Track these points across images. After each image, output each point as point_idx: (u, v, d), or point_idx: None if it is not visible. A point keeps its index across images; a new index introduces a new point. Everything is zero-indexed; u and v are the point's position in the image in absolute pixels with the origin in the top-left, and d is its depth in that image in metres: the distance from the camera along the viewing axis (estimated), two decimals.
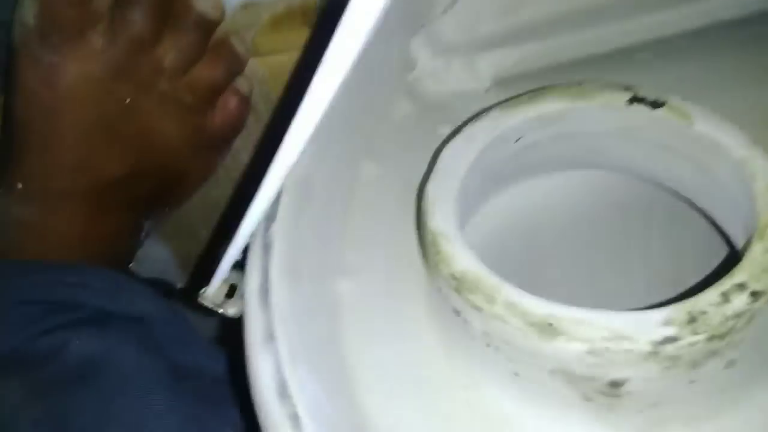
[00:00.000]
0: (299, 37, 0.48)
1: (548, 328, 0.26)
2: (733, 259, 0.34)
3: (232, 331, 0.32)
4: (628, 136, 0.36)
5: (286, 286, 0.31)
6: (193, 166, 0.50)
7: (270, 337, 0.28)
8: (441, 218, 0.31)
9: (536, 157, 0.38)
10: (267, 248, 0.31)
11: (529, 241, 0.43)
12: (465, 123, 0.36)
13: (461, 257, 0.29)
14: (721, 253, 0.41)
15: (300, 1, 0.47)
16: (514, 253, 0.42)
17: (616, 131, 0.36)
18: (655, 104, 0.34)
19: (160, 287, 0.50)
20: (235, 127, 0.49)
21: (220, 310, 0.33)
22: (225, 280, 0.33)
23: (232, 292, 0.33)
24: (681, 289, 0.46)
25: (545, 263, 0.45)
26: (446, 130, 0.44)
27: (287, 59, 0.49)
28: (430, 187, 0.32)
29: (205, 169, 0.51)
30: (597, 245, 0.44)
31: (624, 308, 0.27)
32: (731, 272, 0.27)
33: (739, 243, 0.33)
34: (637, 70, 0.46)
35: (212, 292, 0.33)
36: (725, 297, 0.26)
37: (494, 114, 0.35)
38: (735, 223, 0.33)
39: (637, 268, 0.44)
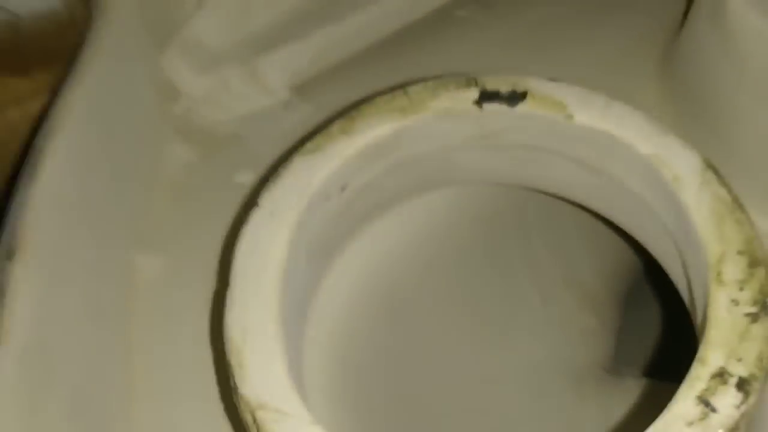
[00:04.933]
0: (2, 88, 0.34)
1: None
2: (649, 267, 0.26)
3: None
4: (485, 143, 0.26)
5: None
6: None
7: None
8: (256, 379, 0.19)
9: (373, 198, 0.27)
10: None
11: (395, 283, 0.33)
12: (260, 187, 0.24)
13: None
14: (617, 245, 0.34)
15: None
16: (384, 299, 0.32)
17: (468, 141, 0.26)
18: (513, 97, 0.24)
19: None
20: None
21: None
22: None
23: None
24: (575, 289, 0.38)
25: (419, 298, 0.35)
26: (246, 177, 0.32)
27: None
28: (233, 318, 0.21)
29: None
30: (471, 265, 0.35)
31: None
32: (700, 354, 0.18)
33: (661, 255, 0.25)
34: (462, 31, 0.36)
35: None
36: (705, 403, 0.17)
37: (298, 165, 0.24)
38: (647, 227, 0.25)
39: (523, 279, 0.36)
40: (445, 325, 0.33)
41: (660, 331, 0.45)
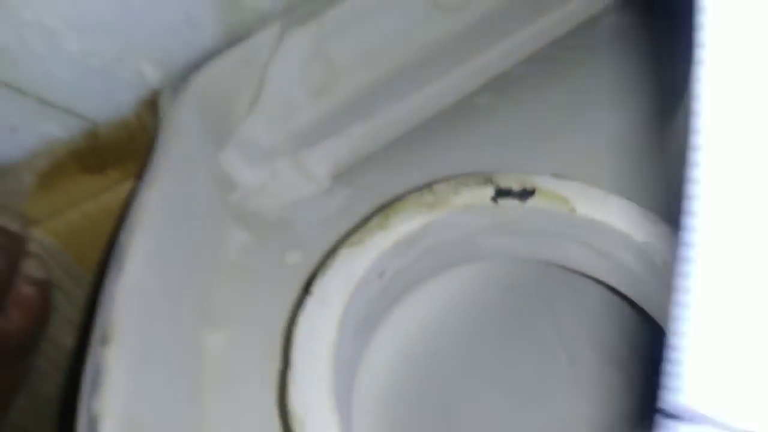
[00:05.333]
0: (80, 187, 0.39)
1: None
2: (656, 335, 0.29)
3: None
4: (503, 230, 0.30)
5: None
6: (0, 380, 0.40)
7: None
8: None
9: (408, 278, 0.31)
10: None
11: (430, 350, 0.37)
12: (312, 275, 0.29)
13: None
14: (629, 315, 0.37)
15: (67, 148, 0.37)
16: (421, 365, 0.35)
17: (488, 228, 0.30)
18: (524, 194, 0.28)
19: None
20: (40, 318, 0.39)
21: None
22: None
23: None
24: (599, 348, 0.41)
25: (454, 363, 0.39)
26: (295, 258, 0.36)
27: (77, 215, 0.40)
28: (294, 395, 0.25)
29: (16, 377, 0.41)
30: (500, 329, 0.38)
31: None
32: None
33: (663, 321, 0.28)
34: (482, 117, 0.40)
35: None
36: None
37: (343, 257, 0.28)
38: (651, 301, 0.28)
39: (549, 340, 0.39)
40: (478, 386, 0.37)
41: None
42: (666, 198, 0.32)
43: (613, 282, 0.30)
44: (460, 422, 0.34)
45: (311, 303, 0.27)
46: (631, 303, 0.32)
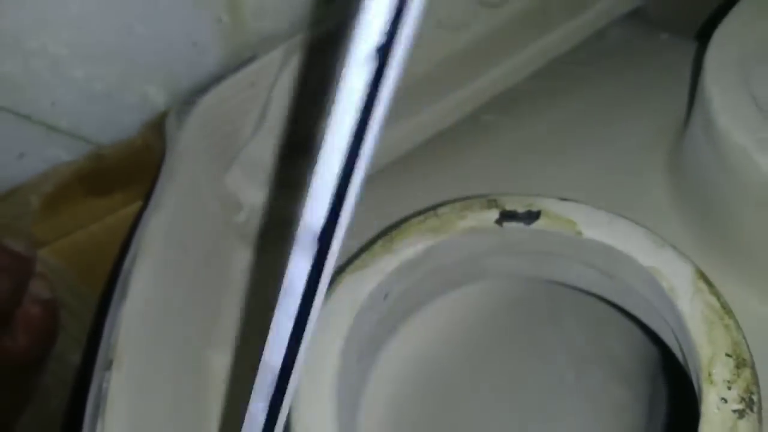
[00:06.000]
0: (86, 209, 0.39)
1: None
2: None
3: None
4: (509, 251, 0.30)
5: None
6: (5, 399, 0.40)
7: None
8: None
9: (412, 299, 0.31)
10: None
11: (436, 369, 0.37)
12: None
13: None
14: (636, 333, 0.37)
15: (72, 170, 0.37)
16: (427, 385, 0.35)
17: (494, 250, 0.30)
18: (529, 216, 0.28)
19: None
20: (47, 338, 0.40)
21: None
22: None
23: None
24: (607, 364, 0.41)
25: (461, 381, 0.39)
26: None
27: (83, 237, 0.40)
28: (297, 421, 0.25)
29: (21, 396, 0.41)
30: (507, 346, 0.38)
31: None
32: None
33: (670, 345, 0.28)
34: (488, 134, 0.40)
35: None
36: None
37: (347, 282, 0.28)
38: (656, 323, 0.28)
39: (556, 356, 0.39)
40: (485, 405, 0.37)
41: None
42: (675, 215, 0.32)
43: (620, 302, 0.30)
44: None
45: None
46: (639, 322, 0.32)
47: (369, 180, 0.42)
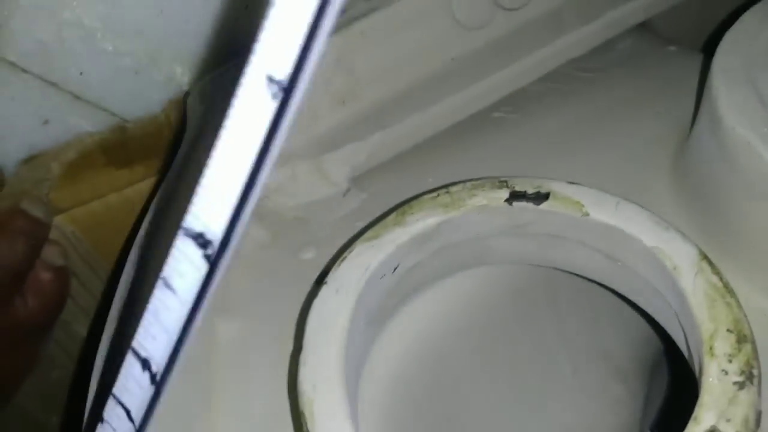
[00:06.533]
0: (106, 179, 0.40)
1: None
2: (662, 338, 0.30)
3: None
4: (516, 232, 0.30)
5: None
6: (10, 362, 0.40)
7: None
8: (325, 425, 0.24)
9: (420, 275, 0.32)
10: None
11: (437, 347, 0.37)
12: (328, 266, 0.29)
13: None
14: (641, 318, 0.37)
15: (95, 141, 0.39)
16: (428, 361, 0.36)
17: (501, 230, 0.30)
18: (538, 197, 0.29)
19: None
20: (56, 304, 0.40)
21: None
22: None
23: None
24: (603, 358, 0.41)
25: (460, 361, 0.39)
26: (310, 255, 0.37)
27: (100, 207, 0.41)
28: (305, 376, 0.25)
29: (26, 361, 0.41)
30: (507, 333, 0.39)
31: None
32: (695, 414, 0.22)
33: (670, 329, 0.29)
34: (498, 130, 0.41)
35: None
36: None
37: (359, 251, 0.29)
38: (656, 306, 0.29)
39: (554, 348, 0.40)
40: (483, 387, 0.37)
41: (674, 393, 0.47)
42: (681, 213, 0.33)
43: (622, 289, 0.30)
44: (462, 422, 0.35)
45: (326, 291, 0.28)
46: (639, 311, 0.33)
47: (380, 168, 0.43)
